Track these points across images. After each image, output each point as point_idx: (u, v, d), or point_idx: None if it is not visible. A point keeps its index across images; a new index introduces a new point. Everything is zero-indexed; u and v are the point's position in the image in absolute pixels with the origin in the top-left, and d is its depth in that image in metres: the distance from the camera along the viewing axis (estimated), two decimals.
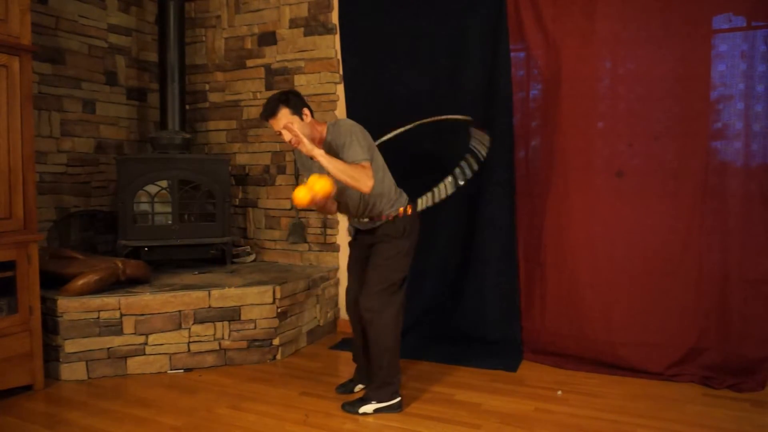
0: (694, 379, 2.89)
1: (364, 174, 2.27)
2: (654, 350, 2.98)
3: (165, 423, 2.47)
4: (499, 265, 3.34)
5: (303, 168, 2.65)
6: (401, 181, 2.65)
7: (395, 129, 2.88)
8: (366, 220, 2.56)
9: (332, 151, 2.37)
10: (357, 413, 2.53)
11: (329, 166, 2.25)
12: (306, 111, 2.41)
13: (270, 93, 4.07)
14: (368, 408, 2.53)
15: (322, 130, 2.46)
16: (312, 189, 2.20)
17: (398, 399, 2.57)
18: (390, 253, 2.51)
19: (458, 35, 3.35)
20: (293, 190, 2.28)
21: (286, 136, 2.36)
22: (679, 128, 2.93)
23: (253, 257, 4.15)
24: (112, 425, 2.45)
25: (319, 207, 2.41)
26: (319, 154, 2.25)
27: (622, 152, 3.05)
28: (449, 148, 3.09)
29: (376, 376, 2.56)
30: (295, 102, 2.38)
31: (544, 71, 3.22)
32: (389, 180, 2.56)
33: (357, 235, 2.69)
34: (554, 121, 3.18)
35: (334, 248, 3.94)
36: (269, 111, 2.37)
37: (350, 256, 2.78)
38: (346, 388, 2.83)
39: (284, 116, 2.35)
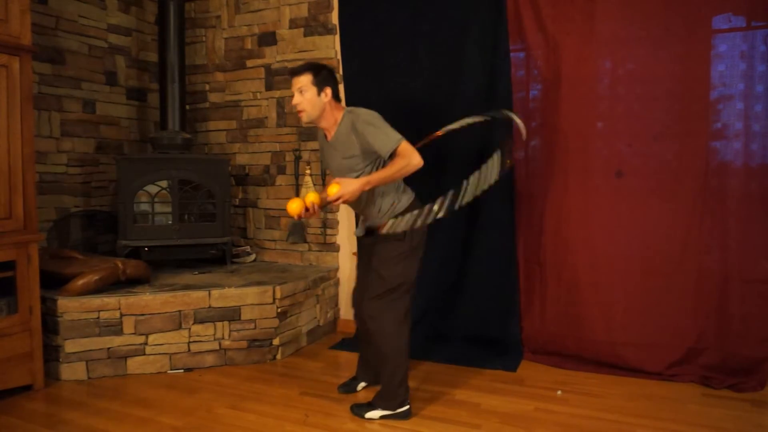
0: (694, 379, 2.89)
1: (405, 159, 2.25)
2: (654, 350, 2.98)
3: (165, 423, 2.47)
4: (499, 265, 3.34)
5: (324, 162, 2.64)
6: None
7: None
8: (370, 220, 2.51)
9: (348, 138, 2.36)
10: (363, 417, 2.50)
11: (377, 182, 2.28)
12: (328, 90, 2.38)
13: (270, 93, 4.09)
14: (374, 414, 2.50)
15: (338, 115, 2.43)
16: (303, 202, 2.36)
17: (406, 407, 2.51)
18: (386, 255, 2.44)
19: (458, 35, 3.35)
20: (289, 200, 2.39)
21: (296, 99, 2.38)
22: (678, 128, 2.93)
23: (253, 257, 4.15)
24: (112, 425, 2.45)
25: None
26: (364, 184, 2.25)
27: (622, 152, 3.05)
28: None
29: (383, 383, 2.52)
30: (324, 76, 2.37)
31: (544, 71, 3.22)
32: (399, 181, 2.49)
33: (360, 236, 2.67)
34: (554, 121, 3.18)
35: (334, 248, 3.94)
36: (297, 69, 2.39)
37: (358, 254, 2.78)
38: (349, 387, 2.83)
39: (305, 80, 2.35)
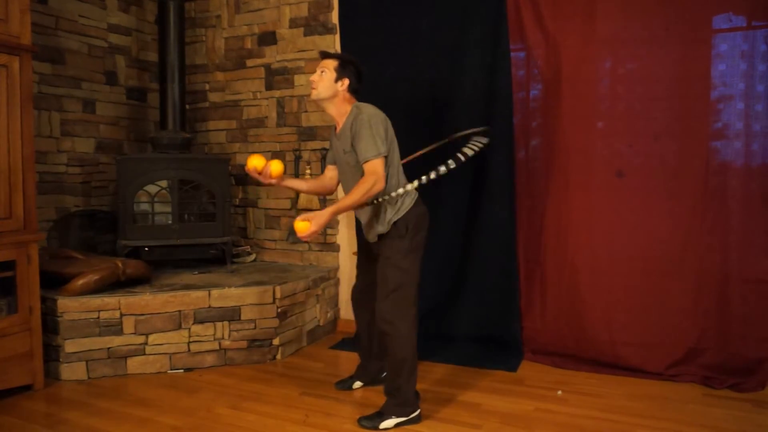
0: (695, 379, 2.89)
1: (370, 181, 2.26)
2: (654, 350, 2.98)
3: (165, 423, 2.47)
4: (499, 265, 3.33)
5: (331, 151, 2.66)
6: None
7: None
8: (374, 229, 2.49)
9: (348, 132, 2.38)
10: (377, 429, 2.42)
11: (345, 208, 2.33)
12: (345, 81, 2.44)
13: (270, 93, 4.09)
14: (389, 423, 2.43)
15: (347, 109, 2.46)
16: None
17: (418, 412, 2.48)
18: (389, 254, 2.43)
19: (458, 35, 3.35)
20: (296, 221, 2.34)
21: (315, 75, 2.45)
22: (679, 128, 2.93)
23: (253, 257, 4.15)
24: (112, 425, 2.45)
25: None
26: (332, 213, 2.27)
27: (622, 152, 3.05)
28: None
29: (394, 389, 2.46)
30: (348, 69, 2.46)
31: (544, 71, 3.21)
32: (396, 180, 2.45)
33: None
34: (554, 121, 3.18)
35: (334, 248, 3.94)
36: (328, 53, 2.53)
37: (358, 253, 2.78)
38: (345, 384, 2.83)
39: (329, 63, 2.45)
